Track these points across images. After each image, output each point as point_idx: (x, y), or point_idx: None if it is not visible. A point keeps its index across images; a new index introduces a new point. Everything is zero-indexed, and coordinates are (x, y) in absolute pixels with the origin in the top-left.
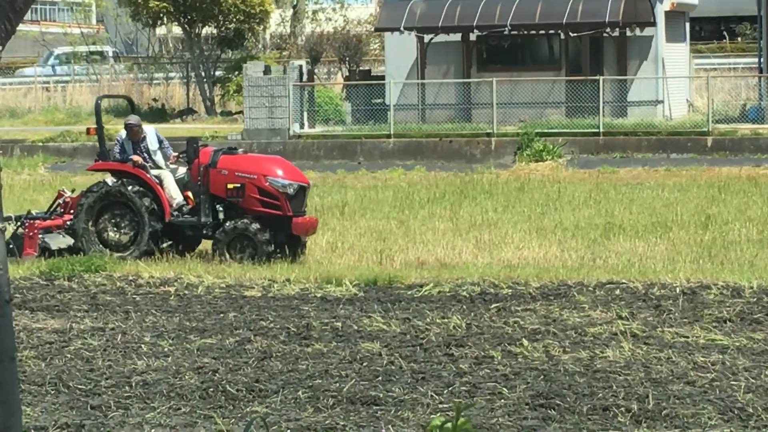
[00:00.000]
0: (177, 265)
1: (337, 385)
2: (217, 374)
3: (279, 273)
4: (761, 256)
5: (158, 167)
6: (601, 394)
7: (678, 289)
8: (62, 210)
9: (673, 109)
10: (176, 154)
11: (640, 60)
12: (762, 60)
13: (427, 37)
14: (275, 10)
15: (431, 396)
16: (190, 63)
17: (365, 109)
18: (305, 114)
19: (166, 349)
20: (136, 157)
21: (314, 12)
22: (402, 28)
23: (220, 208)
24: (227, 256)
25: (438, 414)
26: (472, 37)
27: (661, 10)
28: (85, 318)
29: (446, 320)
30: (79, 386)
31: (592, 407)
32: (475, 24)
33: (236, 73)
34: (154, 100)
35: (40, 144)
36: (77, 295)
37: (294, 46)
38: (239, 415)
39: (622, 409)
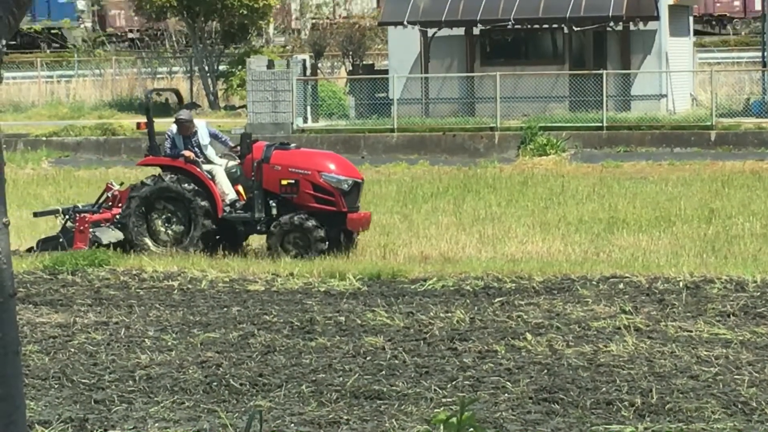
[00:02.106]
0: (180, 259)
1: (341, 379)
2: (220, 368)
3: (282, 267)
4: (765, 250)
5: (210, 162)
6: (604, 388)
7: (681, 284)
8: (110, 203)
9: (676, 103)
10: (233, 145)
11: (644, 54)
12: (765, 54)
13: (430, 32)
14: (278, 4)
15: (435, 390)
16: (193, 57)
17: (369, 104)
18: (309, 108)
19: (169, 344)
20: (187, 153)
21: (317, 6)
22: (405, 23)
23: (273, 204)
24: (280, 251)
25: (442, 408)
26: (476, 31)
27: (664, 4)
28: (89, 312)
29: (450, 314)
30: (83, 380)
31: (595, 401)
32: (478, 18)
33: (240, 67)
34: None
35: (44, 138)
36: (81, 289)
37: (297, 41)
38: (243, 409)
39: (626, 403)
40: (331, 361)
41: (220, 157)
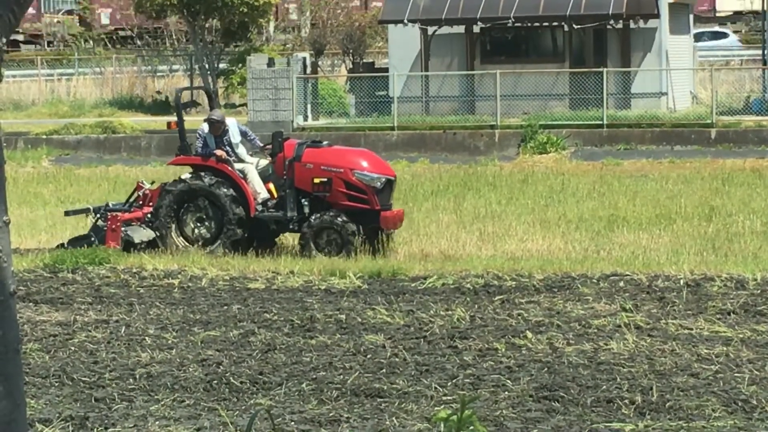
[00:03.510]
0: (181, 257)
1: (341, 377)
2: (221, 366)
3: (283, 265)
4: (765, 248)
5: (241, 161)
6: (605, 387)
7: (682, 281)
8: (141, 202)
9: (677, 101)
10: (262, 145)
11: (644, 52)
12: (766, 52)
13: (430, 30)
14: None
15: (435, 388)
16: (193, 55)
17: (369, 102)
18: (309, 106)
19: (170, 342)
20: (219, 152)
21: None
22: (406, 21)
23: (306, 202)
24: (313, 250)
25: (442, 406)
26: (476, 29)
27: (664, 2)
28: (89, 310)
29: (450, 312)
30: (83, 378)
31: (596, 399)
32: (478, 16)
33: (240, 65)
34: (158, 92)
35: (44, 136)
36: (81, 287)
37: (298, 39)
38: (243, 407)
39: (626, 401)
40: (331, 359)
41: (251, 155)
